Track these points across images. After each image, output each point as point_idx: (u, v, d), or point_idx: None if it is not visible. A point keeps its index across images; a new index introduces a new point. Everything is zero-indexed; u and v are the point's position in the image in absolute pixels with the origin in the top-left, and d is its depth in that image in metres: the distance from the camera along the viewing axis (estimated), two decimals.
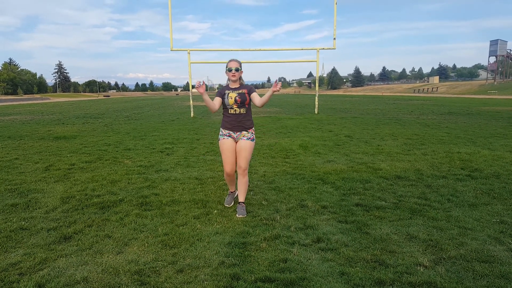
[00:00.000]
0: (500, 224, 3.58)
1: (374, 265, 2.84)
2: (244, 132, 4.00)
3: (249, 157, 4.03)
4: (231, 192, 4.34)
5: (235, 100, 3.89)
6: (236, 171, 4.15)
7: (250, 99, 3.97)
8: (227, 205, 4.22)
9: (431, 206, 4.14)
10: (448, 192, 4.63)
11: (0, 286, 2.60)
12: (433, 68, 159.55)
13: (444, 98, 44.37)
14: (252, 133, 4.05)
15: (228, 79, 4.00)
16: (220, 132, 4.11)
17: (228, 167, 4.06)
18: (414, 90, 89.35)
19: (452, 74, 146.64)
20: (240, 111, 3.95)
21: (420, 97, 53.30)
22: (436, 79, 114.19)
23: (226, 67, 3.96)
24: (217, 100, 3.98)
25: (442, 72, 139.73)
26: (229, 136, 4.02)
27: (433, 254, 3.00)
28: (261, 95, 3.97)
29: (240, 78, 4.01)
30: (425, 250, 3.07)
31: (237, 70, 3.91)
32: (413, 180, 5.26)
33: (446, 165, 6.20)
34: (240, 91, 3.92)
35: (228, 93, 3.93)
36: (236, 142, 4.04)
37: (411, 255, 2.98)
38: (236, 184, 4.33)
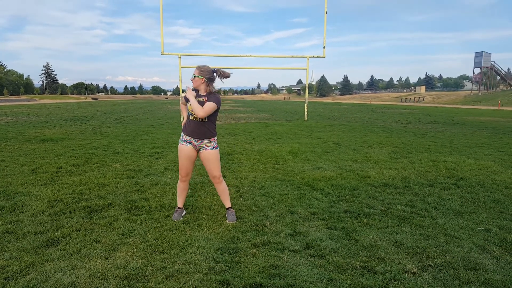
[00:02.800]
0: (485, 233, 3.66)
1: (363, 272, 2.87)
2: (206, 141, 3.89)
3: (219, 164, 3.97)
4: (179, 208, 4.11)
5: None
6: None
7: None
8: (175, 220, 3.98)
9: (418, 213, 4.21)
10: (435, 200, 4.71)
11: None
12: (419, 77, 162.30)
13: (430, 108, 45.13)
14: (214, 141, 3.93)
15: None
16: (181, 137, 3.99)
17: (183, 171, 4.01)
18: (401, 99, 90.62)
19: (438, 84, 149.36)
20: (199, 119, 3.81)
21: (407, 106, 54.12)
22: (422, 88, 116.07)
23: None
24: (183, 104, 4.01)
25: (429, 82, 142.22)
26: (190, 143, 3.90)
27: (420, 261, 3.05)
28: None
29: (208, 85, 3.81)
30: (413, 257, 3.12)
31: (193, 77, 3.80)
32: (401, 188, 5.34)
33: (432, 173, 6.31)
34: (200, 99, 3.80)
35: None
36: (198, 151, 3.94)
37: (399, 262, 3.02)
38: (186, 198, 4.26)
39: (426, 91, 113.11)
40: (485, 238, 3.52)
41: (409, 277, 2.79)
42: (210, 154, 3.89)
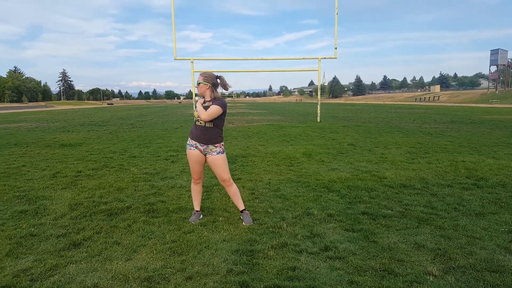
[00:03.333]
0: (508, 234, 3.58)
1: (383, 274, 2.84)
2: (211, 147, 3.90)
3: (227, 168, 3.98)
4: (196, 211, 4.15)
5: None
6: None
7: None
8: (193, 222, 4.02)
9: (437, 215, 4.15)
10: (455, 201, 4.64)
11: None
12: (434, 77, 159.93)
13: (446, 107, 44.41)
14: (220, 147, 3.93)
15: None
16: (188, 141, 4.03)
17: (195, 175, 4.07)
18: (416, 98, 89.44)
19: (453, 83, 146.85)
20: (205, 124, 3.85)
21: (421, 105, 53.38)
22: (437, 88, 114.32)
23: None
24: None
25: (443, 81, 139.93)
26: (196, 147, 3.94)
27: (442, 263, 3.01)
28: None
29: (213, 91, 3.87)
30: (434, 259, 3.07)
31: (198, 83, 3.85)
32: (419, 188, 5.27)
33: (451, 173, 6.21)
34: (206, 105, 3.85)
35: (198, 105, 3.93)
36: (205, 155, 3.96)
37: (420, 264, 2.99)
38: (202, 200, 4.28)
39: (441, 90, 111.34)
40: (509, 240, 3.44)
41: (431, 279, 2.75)
42: (216, 159, 3.91)
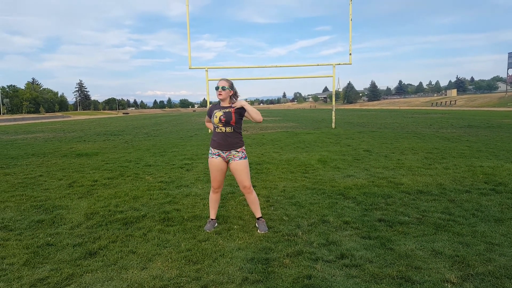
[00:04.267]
0: None
1: (400, 282, 2.79)
2: (233, 152, 3.91)
3: (248, 174, 3.99)
4: (212, 220, 4.16)
5: (220, 119, 3.83)
6: (242, 192, 4.14)
7: (238, 118, 3.89)
8: (207, 230, 4.02)
9: (455, 221, 4.06)
10: (473, 207, 4.53)
11: None
12: (450, 81, 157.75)
13: (463, 111, 43.61)
14: (242, 151, 3.96)
15: None
16: (210, 151, 4.03)
17: (215, 183, 4.07)
18: (432, 103, 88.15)
19: (470, 87, 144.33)
20: (225, 130, 3.87)
21: (438, 110, 52.56)
22: (453, 92, 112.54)
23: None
24: (208, 121, 4.12)
25: (460, 85, 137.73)
26: (218, 155, 3.95)
27: (460, 270, 2.94)
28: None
29: (231, 97, 3.93)
30: (452, 266, 3.00)
31: (223, 89, 3.86)
32: (436, 194, 5.17)
33: (469, 179, 6.08)
34: (226, 110, 3.86)
35: (215, 112, 3.91)
36: (228, 162, 3.96)
37: (438, 271, 2.92)
38: (217, 209, 4.26)
39: (457, 94, 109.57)
40: None
41: (449, 286, 2.69)
42: (238, 164, 3.92)
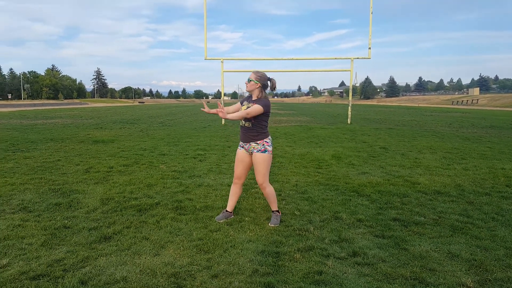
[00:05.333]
0: None
1: (414, 283, 2.74)
2: (253, 144, 3.89)
3: (264, 171, 3.90)
4: (226, 211, 4.14)
5: None
6: (259, 187, 4.11)
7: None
8: (217, 220, 4.03)
9: (474, 224, 3.96)
10: (493, 210, 4.41)
11: (46, 281, 2.71)
12: (473, 79, 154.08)
13: (485, 111, 42.55)
14: (263, 144, 3.87)
15: None
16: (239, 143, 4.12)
17: (235, 174, 4.10)
18: (453, 101, 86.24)
19: (494, 86, 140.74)
20: (245, 124, 3.89)
21: (459, 109, 51.39)
22: (476, 90, 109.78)
23: None
24: (236, 106, 4.07)
25: (483, 84, 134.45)
26: (242, 147, 4.00)
27: (477, 274, 2.86)
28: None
29: (262, 91, 3.88)
30: (469, 270, 2.93)
31: (248, 80, 3.86)
32: (454, 196, 5.06)
33: (489, 181, 5.93)
34: (250, 104, 3.86)
35: (244, 105, 3.93)
36: (251, 154, 3.98)
37: (453, 275, 2.86)
38: (235, 203, 4.21)
39: (480, 93, 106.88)
40: None
41: None
42: (257, 157, 3.90)
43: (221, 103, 4.01)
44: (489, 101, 77.14)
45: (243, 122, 3.91)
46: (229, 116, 3.73)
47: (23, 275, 2.78)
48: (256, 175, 3.96)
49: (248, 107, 3.83)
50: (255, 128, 3.88)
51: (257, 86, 3.86)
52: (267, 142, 3.92)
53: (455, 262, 3.07)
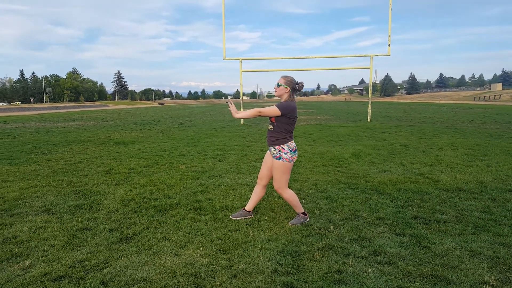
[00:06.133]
0: None
1: (435, 281, 2.69)
2: (272, 149, 3.89)
3: (278, 177, 3.87)
4: (243, 210, 4.16)
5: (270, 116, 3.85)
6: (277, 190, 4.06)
7: (280, 117, 3.78)
8: (232, 217, 4.09)
9: (496, 221, 3.86)
10: None
11: (68, 282, 2.78)
12: (495, 74, 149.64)
13: (508, 106, 41.28)
14: (279, 151, 3.81)
15: None
16: None
17: (259, 174, 4.12)
18: (475, 97, 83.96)
19: None
20: (269, 127, 3.92)
21: (481, 105, 50.02)
22: (499, 86, 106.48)
23: None
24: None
25: (506, 79, 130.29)
26: (269, 149, 4.02)
27: (500, 272, 2.79)
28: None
29: (291, 95, 3.85)
30: (491, 268, 2.86)
31: (277, 85, 3.85)
32: (476, 193, 4.94)
33: None
34: None
35: None
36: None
37: (476, 273, 2.79)
38: (255, 204, 4.20)
39: (503, 88, 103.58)
40: None
41: None
42: (273, 163, 3.91)
43: (231, 104, 4.02)
44: None
45: (269, 125, 3.93)
46: (238, 115, 3.83)
47: (45, 276, 2.86)
48: (273, 180, 3.97)
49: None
50: (275, 132, 3.84)
51: (287, 91, 3.83)
52: (284, 149, 3.81)
53: (477, 260, 3.01)
